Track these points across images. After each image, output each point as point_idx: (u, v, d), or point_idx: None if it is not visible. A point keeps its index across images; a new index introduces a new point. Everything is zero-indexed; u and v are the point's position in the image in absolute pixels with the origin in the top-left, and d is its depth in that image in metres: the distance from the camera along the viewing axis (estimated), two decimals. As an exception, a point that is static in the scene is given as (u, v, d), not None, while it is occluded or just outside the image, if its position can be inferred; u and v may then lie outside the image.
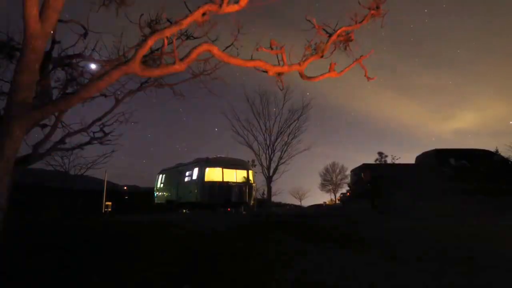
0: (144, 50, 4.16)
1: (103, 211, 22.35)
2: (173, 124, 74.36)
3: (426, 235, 5.89)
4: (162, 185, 20.96)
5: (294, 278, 3.57)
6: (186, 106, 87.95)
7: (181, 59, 4.31)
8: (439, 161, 9.91)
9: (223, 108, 39.37)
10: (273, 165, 29.63)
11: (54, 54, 6.86)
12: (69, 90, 7.47)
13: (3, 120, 3.79)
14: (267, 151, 29.76)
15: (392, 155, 23.13)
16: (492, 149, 16.52)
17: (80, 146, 9.66)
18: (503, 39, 57.40)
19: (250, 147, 29.76)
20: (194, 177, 16.22)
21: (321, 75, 5.26)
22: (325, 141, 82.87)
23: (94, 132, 9.42)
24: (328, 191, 49.40)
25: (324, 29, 5.21)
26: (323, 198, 49.50)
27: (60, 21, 6.04)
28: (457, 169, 9.88)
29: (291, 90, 28.99)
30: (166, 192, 20.10)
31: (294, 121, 29.87)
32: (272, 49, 4.94)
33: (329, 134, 68.74)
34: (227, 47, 5.24)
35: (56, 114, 7.26)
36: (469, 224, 6.86)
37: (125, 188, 36.04)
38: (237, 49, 5.23)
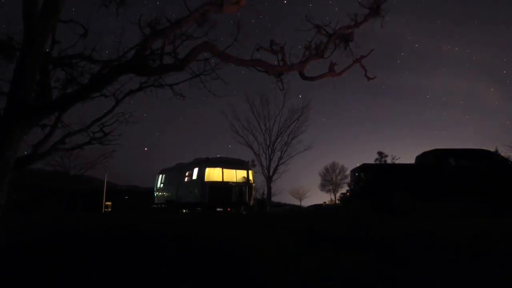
0: (144, 50, 4.16)
1: (103, 210, 22.37)
2: (173, 124, 74.42)
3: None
4: (162, 185, 20.94)
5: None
6: (186, 106, 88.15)
7: (181, 59, 4.31)
8: (438, 161, 9.88)
9: (223, 108, 39.49)
10: (273, 165, 29.67)
11: (54, 54, 6.87)
12: (69, 90, 7.47)
13: (3, 120, 3.80)
14: (267, 151, 29.81)
15: (392, 155, 23.16)
16: (492, 149, 16.55)
17: (80, 146, 9.66)
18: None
19: (250, 147, 29.82)
20: (194, 177, 16.21)
21: (321, 75, 5.26)
22: (325, 141, 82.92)
23: (94, 132, 9.42)
24: (328, 191, 49.46)
25: (324, 29, 5.21)
26: (323, 198, 49.58)
27: (60, 21, 6.04)
28: (457, 169, 9.87)
29: (291, 90, 29.07)
30: (166, 192, 20.08)
31: (294, 121, 29.94)
32: (272, 49, 4.95)
33: (329, 134, 68.78)
34: (227, 47, 5.24)
35: (56, 114, 7.26)
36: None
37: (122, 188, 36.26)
38: (237, 49, 5.24)
